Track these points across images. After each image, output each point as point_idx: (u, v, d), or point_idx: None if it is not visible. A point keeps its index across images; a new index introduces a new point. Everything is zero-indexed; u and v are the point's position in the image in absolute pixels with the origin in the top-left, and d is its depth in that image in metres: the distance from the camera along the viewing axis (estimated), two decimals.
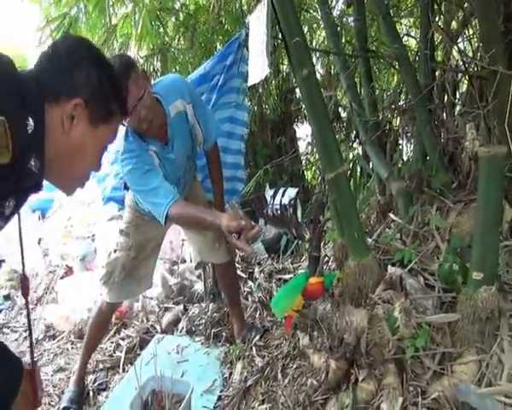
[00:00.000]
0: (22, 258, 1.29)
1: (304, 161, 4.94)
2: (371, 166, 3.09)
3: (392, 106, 3.17)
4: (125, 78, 1.84)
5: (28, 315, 1.37)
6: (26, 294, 1.27)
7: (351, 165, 3.48)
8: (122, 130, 2.07)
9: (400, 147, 3.15)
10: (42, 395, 1.24)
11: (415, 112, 2.54)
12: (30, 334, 1.30)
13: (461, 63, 2.50)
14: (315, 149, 4.82)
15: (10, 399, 1.03)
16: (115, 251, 2.38)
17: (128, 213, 2.38)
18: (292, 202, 1.71)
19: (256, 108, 4.85)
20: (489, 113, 2.05)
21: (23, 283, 1.27)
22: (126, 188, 2.34)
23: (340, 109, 4.44)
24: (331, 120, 3.94)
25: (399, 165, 2.85)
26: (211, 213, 1.81)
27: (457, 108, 2.77)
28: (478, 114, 2.13)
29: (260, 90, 4.85)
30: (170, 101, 2.13)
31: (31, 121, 0.92)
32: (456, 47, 2.49)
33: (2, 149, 0.86)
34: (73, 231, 3.83)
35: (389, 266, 1.89)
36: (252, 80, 2.34)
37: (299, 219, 1.67)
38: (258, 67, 2.13)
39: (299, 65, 1.83)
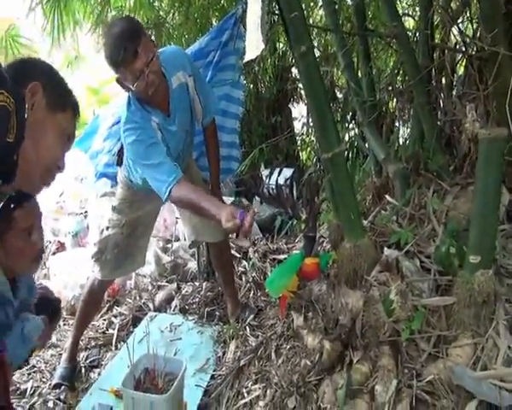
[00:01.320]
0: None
1: (299, 142, 4.89)
2: (368, 147, 3.07)
3: (390, 87, 3.14)
4: (134, 41, 1.79)
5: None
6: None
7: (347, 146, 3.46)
8: (125, 99, 2.04)
9: (397, 129, 3.12)
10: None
11: (412, 93, 2.51)
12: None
13: (460, 44, 2.46)
14: (310, 130, 4.79)
15: None
16: (107, 228, 2.34)
17: (121, 190, 2.34)
18: (288, 181, 1.68)
19: (252, 86, 4.79)
20: (488, 95, 2.03)
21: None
22: (119, 164, 2.30)
23: (336, 90, 4.39)
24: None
25: (396, 147, 2.83)
26: (214, 204, 1.77)
27: (455, 90, 2.74)
28: (476, 96, 2.11)
29: (256, 69, 4.79)
30: (172, 72, 2.09)
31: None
32: (456, 27, 2.45)
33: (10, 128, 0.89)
34: (65, 207, 3.79)
35: (385, 249, 1.88)
36: (248, 56, 2.29)
37: (295, 199, 1.65)
38: (253, 43, 2.09)
39: (297, 41, 1.79)
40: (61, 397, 2.29)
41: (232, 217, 1.60)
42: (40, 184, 1.16)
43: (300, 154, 4.83)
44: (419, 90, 2.30)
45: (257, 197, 3.79)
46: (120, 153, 2.29)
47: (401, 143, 2.93)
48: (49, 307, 1.70)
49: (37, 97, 1.05)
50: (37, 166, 1.11)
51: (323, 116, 1.85)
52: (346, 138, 3.55)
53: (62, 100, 1.14)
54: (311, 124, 4.44)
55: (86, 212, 3.69)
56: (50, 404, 2.27)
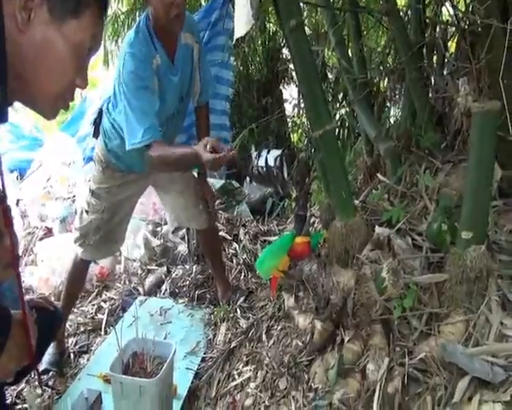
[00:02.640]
0: (2, 185, 1.04)
1: (290, 124, 4.84)
2: (359, 126, 3.03)
3: (381, 66, 3.09)
4: None
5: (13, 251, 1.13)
6: (9, 225, 1.07)
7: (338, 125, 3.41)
8: (135, 24, 1.99)
9: (389, 107, 3.08)
10: (55, 330, 1.13)
11: (404, 72, 2.47)
12: (18, 275, 1.14)
13: (453, 18, 2.42)
14: (301, 112, 4.74)
15: None
16: (87, 212, 2.28)
17: (98, 174, 2.25)
18: (278, 160, 1.64)
19: (241, 67, 4.72)
20: (480, 69, 1.99)
21: (5, 213, 1.05)
22: (95, 135, 2.23)
23: (327, 71, 4.34)
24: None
25: (388, 125, 2.79)
26: (187, 147, 1.75)
27: (447, 67, 2.70)
28: (469, 71, 2.07)
29: (246, 50, 4.72)
30: (183, 28, 2.04)
31: None
32: (448, 2, 2.41)
33: None
34: (53, 192, 3.72)
35: (377, 227, 1.85)
36: (237, 33, 2.23)
37: (285, 178, 1.61)
38: (242, 20, 2.03)
39: (288, 15, 1.73)
40: (50, 383, 2.26)
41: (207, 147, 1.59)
42: (56, 109, 0.95)
43: (291, 136, 4.78)
44: (411, 66, 2.26)
45: (247, 178, 3.76)
46: (96, 123, 2.21)
47: (392, 121, 2.90)
48: (48, 318, 1.55)
49: (32, 4, 0.79)
50: (45, 96, 0.89)
51: (314, 93, 1.81)
52: (337, 118, 3.50)
53: (73, 2, 0.84)
54: (302, 102, 4.39)
55: (74, 196, 3.63)
56: (38, 390, 2.23)
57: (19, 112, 4.42)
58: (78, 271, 2.43)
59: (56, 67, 0.87)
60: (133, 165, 2.20)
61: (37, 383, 2.26)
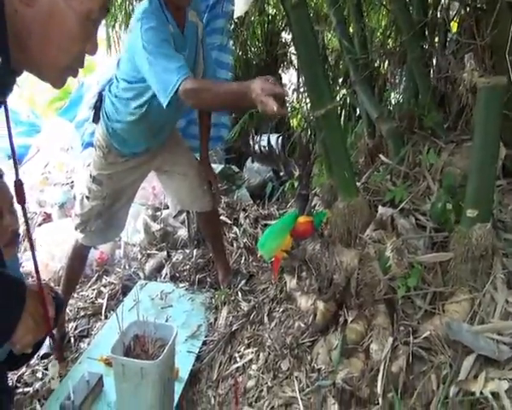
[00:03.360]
0: (14, 161, 1.07)
1: (290, 108, 4.79)
2: (360, 107, 3.00)
3: (382, 48, 3.05)
4: None
5: (27, 225, 1.13)
6: (22, 202, 1.06)
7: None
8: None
9: (390, 89, 3.05)
10: (55, 316, 1.10)
11: (405, 53, 2.44)
12: (32, 247, 1.13)
13: None
14: (301, 96, 4.69)
15: (12, 324, 0.92)
16: (88, 198, 2.25)
17: (98, 159, 2.20)
18: (279, 140, 1.61)
19: (240, 51, 4.66)
20: (485, 47, 1.96)
21: (18, 190, 1.05)
22: (95, 120, 2.18)
23: (327, 53, 4.29)
24: None
25: (389, 106, 2.76)
26: (236, 83, 1.60)
27: (450, 46, 2.67)
28: (473, 48, 2.04)
29: (245, 34, 4.65)
30: (190, 5, 2.01)
31: None
32: None
33: None
34: (51, 178, 3.68)
35: (380, 207, 1.83)
36: (237, 12, 2.19)
37: (287, 157, 1.58)
38: None
39: None
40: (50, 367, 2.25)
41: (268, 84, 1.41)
42: (64, 78, 0.92)
43: (291, 120, 4.73)
44: (413, 46, 2.23)
45: (247, 163, 3.73)
46: (96, 107, 2.17)
47: (394, 102, 2.86)
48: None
49: None
50: (53, 67, 0.88)
51: (315, 71, 1.77)
52: (338, 100, 3.47)
53: None
54: (301, 87, 4.34)
55: (72, 182, 3.60)
56: (39, 374, 2.23)
57: (15, 98, 4.38)
58: (79, 256, 2.41)
59: (64, 40, 0.85)
60: (137, 147, 2.18)
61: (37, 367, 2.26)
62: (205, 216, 2.53)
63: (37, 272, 1.06)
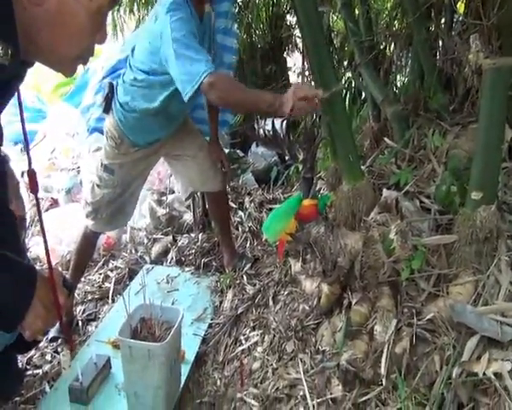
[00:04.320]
0: (27, 149, 1.09)
1: None
2: (364, 95, 2.98)
3: (387, 31, 3.02)
4: None
5: (40, 214, 1.16)
6: (35, 190, 1.08)
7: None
8: None
9: (395, 72, 3.02)
10: (65, 301, 1.10)
11: (411, 35, 2.41)
12: (43, 235, 1.12)
13: None
14: (306, 80, 4.66)
15: (22, 309, 0.93)
16: (99, 186, 2.26)
17: (110, 149, 2.22)
18: (284, 123, 1.61)
19: (245, 34, 4.62)
20: (491, 28, 1.94)
21: (31, 178, 1.06)
22: (106, 110, 2.19)
23: (332, 35, 4.24)
24: None
25: (394, 89, 2.74)
26: (263, 91, 1.62)
27: (456, 28, 2.63)
28: (479, 29, 2.01)
29: (249, 17, 4.61)
30: None
31: None
32: None
33: None
34: (57, 164, 3.70)
35: (384, 190, 1.83)
36: None
37: (292, 140, 1.58)
38: None
39: None
40: (59, 350, 2.28)
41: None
42: (74, 68, 0.94)
43: None
44: (419, 27, 2.21)
45: (252, 147, 3.72)
46: (107, 98, 2.17)
47: (400, 85, 2.84)
48: None
49: None
50: (63, 60, 0.89)
51: (320, 53, 1.76)
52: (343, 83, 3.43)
53: None
54: (306, 70, 4.30)
55: (79, 167, 3.61)
56: (48, 357, 2.26)
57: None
58: (88, 242, 2.43)
59: (74, 35, 0.86)
60: (151, 137, 2.21)
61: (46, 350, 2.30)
62: (214, 197, 2.54)
63: (48, 260, 1.07)
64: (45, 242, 1.11)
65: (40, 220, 1.13)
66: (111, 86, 2.18)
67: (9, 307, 0.93)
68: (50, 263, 1.05)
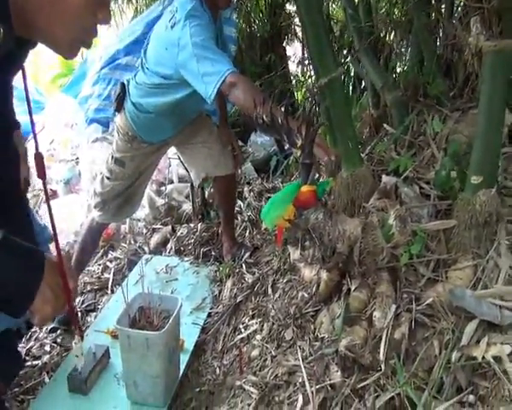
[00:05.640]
0: (34, 133, 1.03)
1: (294, 81, 4.73)
2: (365, 76, 2.95)
3: (387, 18, 2.99)
4: None
5: (48, 201, 1.10)
6: (42, 175, 1.03)
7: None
8: None
9: (395, 58, 2.99)
10: (76, 286, 1.04)
11: (411, 22, 2.38)
12: (52, 220, 1.08)
13: None
14: (305, 69, 4.63)
15: (30, 294, 0.91)
16: (109, 179, 2.29)
17: (122, 143, 2.24)
18: (282, 108, 1.59)
19: (244, 24, 4.59)
20: (492, 9, 1.91)
21: (38, 163, 1.01)
22: (118, 110, 2.20)
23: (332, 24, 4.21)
24: None
25: (394, 75, 2.71)
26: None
27: (456, 13, 2.60)
28: (479, 13, 1.98)
29: (248, 5, 4.57)
30: None
31: None
32: None
33: None
34: (56, 155, 3.69)
35: (383, 175, 1.81)
36: None
37: (290, 126, 1.56)
38: None
39: None
40: (58, 341, 2.28)
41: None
42: (75, 51, 0.93)
43: (295, 94, 4.68)
44: (419, 12, 2.18)
45: (252, 136, 3.70)
46: (119, 98, 2.19)
47: (399, 71, 2.82)
48: None
49: None
50: (62, 42, 0.88)
51: (319, 39, 1.74)
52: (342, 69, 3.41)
53: None
54: (306, 60, 4.28)
55: (77, 158, 3.60)
56: (47, 348, 2.26)
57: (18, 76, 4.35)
58: (94, 234, 2.45)
59: (70, 16, 0.84)
60: (164, 135, 2.25)
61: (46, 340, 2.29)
62: (224, 180, 2.52)
63: (57, 244, 1.05)
64: (53, 226, 1.08)
65: (48, 205, 1.08)
66: (123, 86, 2.21)
67: (17, 292, 0.91)
68: (59, 247, 1.02)
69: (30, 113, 1.02)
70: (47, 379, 2.03)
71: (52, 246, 1.32)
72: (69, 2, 0.82)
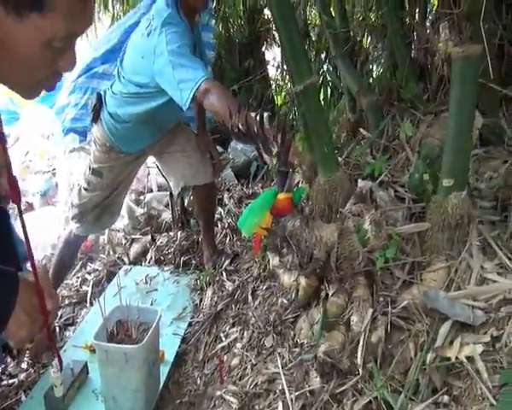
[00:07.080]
0: (6, 155, 0.93)
1: (274, 86, 4.75)
2: (341, 82, 2.98)
3: (363, 23, 3.02)
4: None
5: (23, 223, 0.98)
6: (18, 199, 0.95)
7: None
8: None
9: (371, 62, 3.02)
10: (55, 306, 1.00)
11: (386, 25, 2.40)
12: (27, 241, 1.00)
13: None
14: (284, 74, 4.65)
15: (2, 319, 0.86)
16: (86, 190, 2.26)
17: (99, 153, 2.23)
18: (257, 116, 1.59)
19: (222, 29, 4.59)
20: (462, 15, 1.94)
21: (12, 185, 0.93)
22: (95, 120, 2.18)
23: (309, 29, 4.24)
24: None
25: (371, 80, 2.74)
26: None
27: (429, 17, 2.65)
28: (450, 18, 2.02)
29: (226, 10, 4.58)
30: None
31: None
32: None
33: None
34: (32, 166, 3.64)
35: (359, 180, 1.82)
36: None
37: (266, 134, 1.56)
38: None
39: None
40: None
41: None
42: (35, 93, 0.87)
43: (275, 98, 4.69)
44: (392, 17, 2.20)
45: (232, 143, 3.69)
46: (96, 108, 2.17)
47: (375, 76, 2.84)
48: None
49: None
50: (20, 86, 0.83)
51: (294, 45, 1.74)
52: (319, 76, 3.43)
53: None
54: (285, 64, 4.30)
55: (54, 169, 3.56)
56: (24, 365, 2.21)
57: None
58: (72, 247, 2.42)
59: (26, 67, 0.78)
60: (142, 145, 2.25)
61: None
62: (204, 190, 2.51)
63: (32, 264, 0.98)
64: (29, 246, 1.01)
65: (23, 227, 1.00)
66: (99, 96, 2.19)
67: None
68: (35, 266, 0.97)
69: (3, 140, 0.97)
70: (24, 398, 1.99)
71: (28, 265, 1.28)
72: (21, 52, 0.76)
